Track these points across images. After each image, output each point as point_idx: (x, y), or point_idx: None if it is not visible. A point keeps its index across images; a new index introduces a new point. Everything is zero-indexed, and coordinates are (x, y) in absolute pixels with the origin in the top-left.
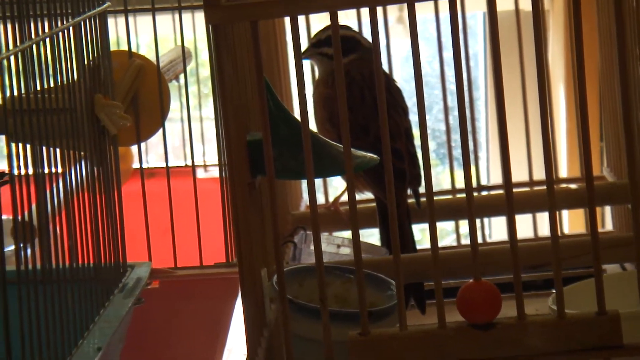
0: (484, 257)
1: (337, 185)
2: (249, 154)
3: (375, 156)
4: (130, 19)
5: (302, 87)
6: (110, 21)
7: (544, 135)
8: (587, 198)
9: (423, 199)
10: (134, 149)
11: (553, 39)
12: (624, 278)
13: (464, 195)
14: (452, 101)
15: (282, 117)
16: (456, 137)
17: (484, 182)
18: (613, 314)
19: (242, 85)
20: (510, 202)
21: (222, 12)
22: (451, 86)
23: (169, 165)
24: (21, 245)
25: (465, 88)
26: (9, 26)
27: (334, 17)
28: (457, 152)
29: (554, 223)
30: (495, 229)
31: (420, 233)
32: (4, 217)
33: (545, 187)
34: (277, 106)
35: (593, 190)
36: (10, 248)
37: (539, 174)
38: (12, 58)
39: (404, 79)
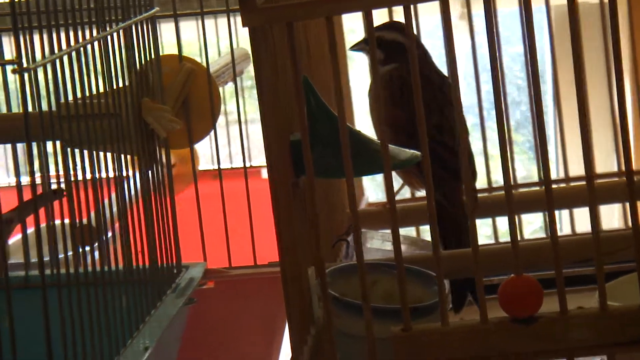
0: (530, 252)
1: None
2: (292, 154)
3: (417, 153)
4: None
5: (338, 86)
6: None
7: (622, 128)
8: (628, 191)
9: (478, 195)
10: (201, 152)
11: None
12: None
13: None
14: (519, 96)
15: (324, 116)
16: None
17: (554, 176)
18: None
19: (284, 86)
20: (549, 197)
21: (258, 15)
22: (518, 81)
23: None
24: (79, 248)
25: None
26: (62, 34)
27: (369, 17)
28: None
29: (594, 216)
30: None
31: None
32: (66, 221)
33: (605, 180)
34: (319, 105)
35: (633, 183)
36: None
37: (600, 167)
38: (65, 59)
39: (468, 75)
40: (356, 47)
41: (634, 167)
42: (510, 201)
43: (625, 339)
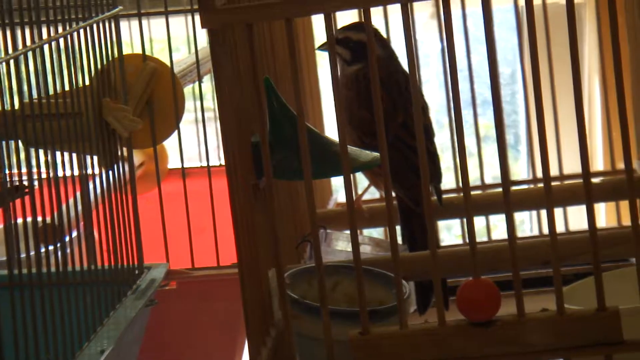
0: (491, 254)
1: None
2: (254, 155)
3: (378, 154)
4: (144, 21)
5: (297, 87)
6: (124, 25)
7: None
8: (585, 192)
9: (444, 196)
10: (171, 149)
11: (589, 31)
12: (624, 275)
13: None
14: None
15: (287, 118)
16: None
17: (523, 176)
18: (613, 311)
19: (247, 87)
20: (507, 200)
21: (217, 16)
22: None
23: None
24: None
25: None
26: (27, 31)
27: (328, 19)
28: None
29: (551, 219)
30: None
31: (447, 231)
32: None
33: (572, 182)
34: (281, 107)
35: (590, 185)
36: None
37: (569, 167)
38: (22, 59)
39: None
40: (323, 47)
41: (604, 167)
42: (468, 202)
43: (583, 342)
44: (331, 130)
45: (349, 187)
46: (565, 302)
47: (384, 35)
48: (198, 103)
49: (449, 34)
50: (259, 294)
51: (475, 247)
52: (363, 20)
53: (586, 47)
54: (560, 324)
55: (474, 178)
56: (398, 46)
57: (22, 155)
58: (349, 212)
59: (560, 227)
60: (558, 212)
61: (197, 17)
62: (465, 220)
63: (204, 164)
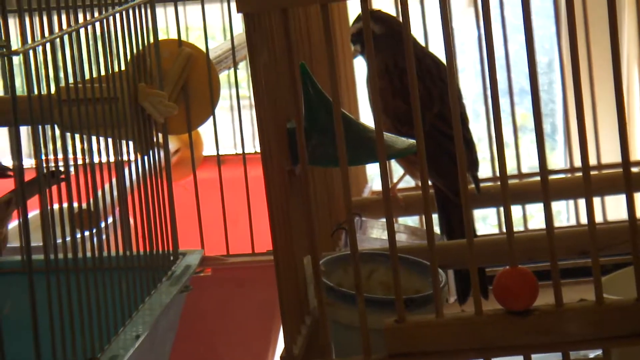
0: (528, 243)
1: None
2: (289, 141)
3: (414, 141)
4: (180, 8)
5: (333, 73)
6: (160, 11)
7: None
8: (625, 181)
9: (482, 185)
10: (206, 136)
11: (629, 18)
12: None
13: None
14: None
15: (322, 104)
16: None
17: (560, 166)
18: None
19: (284, 72)
20: (545, 188)
21: (252, 1)
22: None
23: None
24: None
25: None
26: (63, 16)
27: (363, 4)
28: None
29: (590, 208)
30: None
31: (482, 221)
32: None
33: (610, 171)
34: (317, 93)
35: (630, 173)
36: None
37: (607, 157)
38: (57, 43)
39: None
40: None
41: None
42: (505, 192)
43: (621, 332)
44: (366, 117)
45: (384, 173)
46: (604, 293)
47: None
48: (233, 90)
49: (487, 22)
50: (294, 282)
51: (513, 235)
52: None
53: (625, 34)
54: (599, 314)
55: (510, 168)
56: (435, 34)
57: (58, 143)
58: (384, 199)
59: (598, 217)
60: (596, 201)
61: (233, 4)
62: (501, 209)
63: (239, 151)
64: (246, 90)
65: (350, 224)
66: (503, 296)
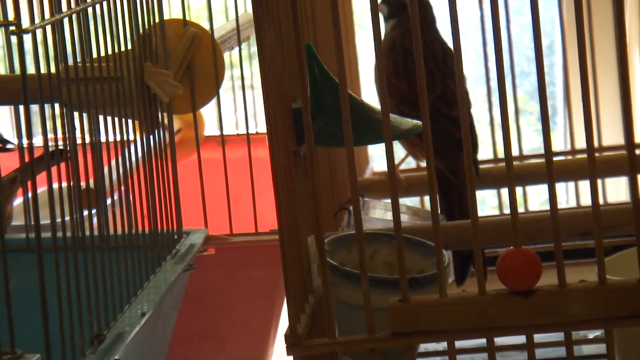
0: (530, 224)
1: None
2: (294, 121)
3: (419, 123)
4: None
5: (340, 54)
6: None
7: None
8: (629, 165)
9: (482, 167)
10: (207, 116)
11: (630, 1)
12: None
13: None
14: (529, 66)
15: (328, 84)
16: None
17: (561, 148)
18: None
19: (288, 53)
20: (550, 170)
21: None
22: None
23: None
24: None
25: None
26: None
27: None
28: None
29: (594, 189)
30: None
31: (481, 204)
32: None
33: (611, 153)
34: (323, 74)
35: (634, 157)
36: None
37: (608, 139)
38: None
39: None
40: None
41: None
42: (511, 173)
43: (623, 313)
44: (367, 96)
45: (390, 155)
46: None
47: None
48: (234, 71)
49: (495, 6)
50: (299, 261)
51: (517, 216)
52: None
53: (627, 18)
54: (602, 294)
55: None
56: (440, 18)
57: (65, 120)
58: (390, 180)
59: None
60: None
61: None
62: (501, 191)
63: (240, 131)
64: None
65: (355, 204)
66: (507, 276)
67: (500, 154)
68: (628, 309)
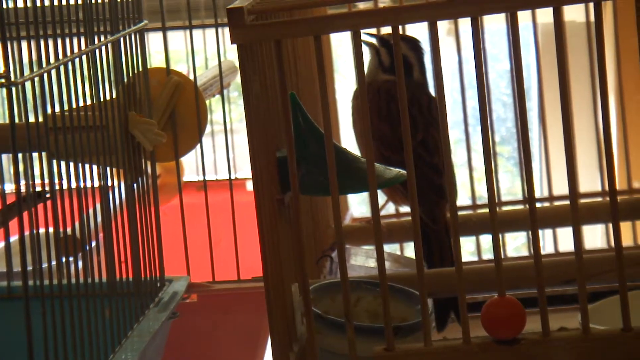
0: (512, 272)
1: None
2: (279, 170)
3: (402, 171)
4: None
5: (325, 105)
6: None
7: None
8: (611, 211)
9: (461, 213)
10: (186, 162)
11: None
12: None
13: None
14: (505, 112)
15: (312, 133)
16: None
17: (538, 194)
18: (639, 331)
19: (273, 101)
20: (533, 216)
21: (247, 32)
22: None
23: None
24: (63, 259)
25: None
26: (50, 44)
27: (356, 37)
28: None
29: (577, 237)
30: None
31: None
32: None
33: (587, 200)
34: (307, 123)
35: (616, 204)
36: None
37: (584, 186)
38: (52, 73)
39: (455, 90)
40: (367, 42)
41: (618, 186)
42: (495, 222)
43: None
44: (346, 143)
45: (375, 203)
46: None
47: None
48: (214, 116)
49: (478, 54)
50: (283, 309)
51: (501, 264)
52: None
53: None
54: (585, 343)
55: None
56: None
57: (45, 168)
58: (375, 229)
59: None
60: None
61: (221, 31)
62: (480, 237)
63: (219, 177)
64: (220, 116)
65: (340, 252)
66: (491, 325)
67: (477, 198)
68: (612, 359)
